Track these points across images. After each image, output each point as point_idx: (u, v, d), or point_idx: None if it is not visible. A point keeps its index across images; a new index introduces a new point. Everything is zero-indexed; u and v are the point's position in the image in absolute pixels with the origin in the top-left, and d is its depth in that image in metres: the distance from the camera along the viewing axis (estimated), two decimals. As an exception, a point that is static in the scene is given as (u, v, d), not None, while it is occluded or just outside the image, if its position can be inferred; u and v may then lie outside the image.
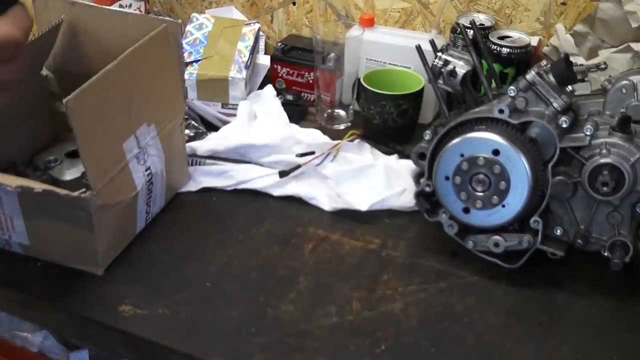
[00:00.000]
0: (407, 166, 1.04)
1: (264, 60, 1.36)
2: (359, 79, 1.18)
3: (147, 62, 0.90)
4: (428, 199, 0.93)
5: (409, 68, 1.20)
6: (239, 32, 1.31)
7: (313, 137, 1.10)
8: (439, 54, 0.96)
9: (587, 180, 0.84)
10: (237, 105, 1.22)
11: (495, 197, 0.86)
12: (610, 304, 0.87)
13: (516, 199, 0.85)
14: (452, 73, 0.95)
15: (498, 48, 1.16)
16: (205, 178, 1.07)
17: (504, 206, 0.86)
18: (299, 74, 1.30)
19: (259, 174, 1.06)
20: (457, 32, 1.23)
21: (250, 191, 1.05)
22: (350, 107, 1.24)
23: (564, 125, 0.84)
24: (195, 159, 1.10)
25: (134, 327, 0.82)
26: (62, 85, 1.01)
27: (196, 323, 0.83)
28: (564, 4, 1.22)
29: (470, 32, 1.11)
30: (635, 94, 0.86)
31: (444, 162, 0.88)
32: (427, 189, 0.91)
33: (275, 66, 1.32)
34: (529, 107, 0.86)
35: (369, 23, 1.23)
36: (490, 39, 1.18)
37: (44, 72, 1.03)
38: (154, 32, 0.90)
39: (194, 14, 1.34)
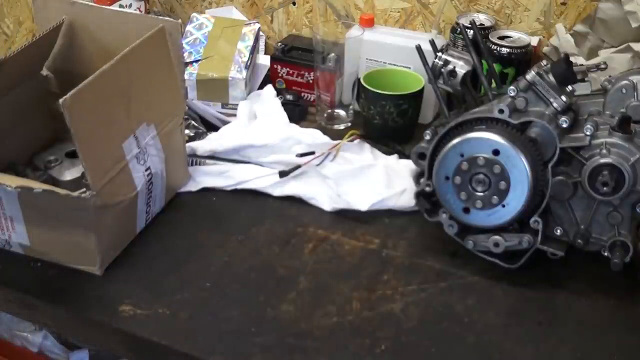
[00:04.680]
0: (407, 166, 1.04)
1: (264, 60, 1.36)
2: (359, 79, 1.18)
3: (145, 61, 0.90)
4: (428, 199, 0.93)
5: (409, 68, 1.20)
6: (239, 32, 1.31)
7: (313, 137, 1.10)
8: (439, 54, 0.96)
9: (587, 180, 0.83)
10: (237, 105, 1.22)
11: (495, 197, 0.86)
12: (610, 304, 0.87)
13: (516, 199, 0.85)
14: (452, 73, 0.94)
15: (498, 48, 1.16)
16: (205, 178, 1.06)
17: (504, 206, 0.86)
18: (299, 74, 1.30)
19: (259, 174, 1.06)
20: (457, 32, 1.22)
21: (250, 191, 1.05)
22: (350, 107, 1.24)
23: (564, 125, 0.84)
24: (195, 159, 1.09)
25: (134, 327, 0.82)
26: (62, 85, 1.01)
27: (196, 323, 0.83)
28: (564, 4, 1.22)
29: (470, 32, 1.11)
30: (635, 94, 0.86)
31: (444, 162, 0.88)
32: (427, 189, 0.91)
33: (275, 66, 1.32)
34: (529, 107, 0.86)
35: (369, 23, 1.23)
36: (490, 39, 1.18)
37: (44, 72, 1.03)
38: (151, 32, 0.90)
39: (194, 14, 1.34)
